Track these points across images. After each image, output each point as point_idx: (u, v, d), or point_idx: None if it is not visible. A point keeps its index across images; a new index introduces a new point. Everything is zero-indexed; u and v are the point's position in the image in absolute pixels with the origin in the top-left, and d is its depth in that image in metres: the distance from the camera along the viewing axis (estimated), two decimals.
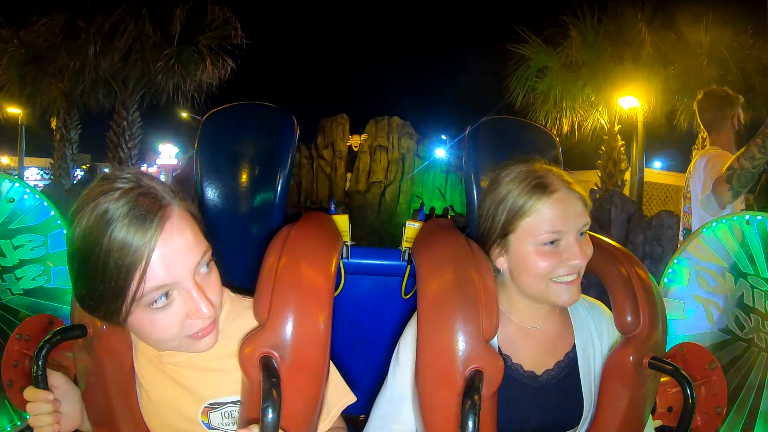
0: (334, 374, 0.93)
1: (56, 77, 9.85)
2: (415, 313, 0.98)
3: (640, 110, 9.14)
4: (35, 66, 9.74)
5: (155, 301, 0.72)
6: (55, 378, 0.88)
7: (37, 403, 0.81)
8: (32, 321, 1.10)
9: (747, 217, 1.34)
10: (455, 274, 0.87)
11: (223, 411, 0.86)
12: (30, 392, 0.81)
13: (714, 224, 1.40)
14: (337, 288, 1.43)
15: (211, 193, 1.28)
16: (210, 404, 0.86)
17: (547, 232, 0.90)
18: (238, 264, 1.06)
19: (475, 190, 1.23)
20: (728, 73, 8.38)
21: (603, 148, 9.80)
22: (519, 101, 9.89)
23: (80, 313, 0.89)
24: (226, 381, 0.85)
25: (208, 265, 0.78)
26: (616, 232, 5.93)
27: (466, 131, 1.29)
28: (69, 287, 1.53)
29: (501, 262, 0.98)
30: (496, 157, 1.26)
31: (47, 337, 0.83)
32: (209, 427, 0.86)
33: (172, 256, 0.71)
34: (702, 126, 2.52)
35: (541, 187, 0.92)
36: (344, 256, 1.44)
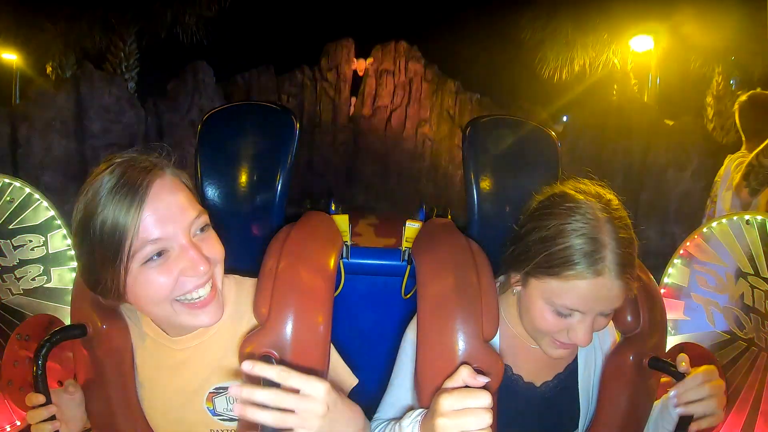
0: (336, 359, 0.93)
1: (52, 18, 9.46)
2: (414, 318, 0.98)
3: (654, 54, 8.57)
4: (31, 8, 9.36)
5: (150, 259, 0.76)
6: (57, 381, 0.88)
7: (37, 411, 0.81)
8: (32, 321, 1.10)
9: (747, 217, 1.34)
10: (455, 274, 0.87)
11: (228, 396, 0.86)
12: (31, 399, 0.81)
13: (714, 224, 1.40)
14: (336, 288, 1.42)
15: (211, 193, 1.28)
16: (215, 389, 0.86)
17: (566, 307, 0.82)
18: (238, 264, 1.06)
19: (475, 190, 1.23)
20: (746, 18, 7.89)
21: (616, 87, 9.17)
22: (529, 38, 9.18)
23: (80, 313, 0.89)
24: (233, 364, 0.85)
25: (204, 229, 0.82)
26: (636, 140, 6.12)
27: (466, 131, 1.29)
28: (69, 287, 1.54)
29: (516, 283, 0.91)
30: (496, 158, 1.26)
31: (47, 337, 0.83)
32: (214, 414, 0.86)
33: (163, 211, 0.76)
34: (740, 131, 2.34)
35: (590, 257, 0.79)
36: (344, 256, 1.43)
